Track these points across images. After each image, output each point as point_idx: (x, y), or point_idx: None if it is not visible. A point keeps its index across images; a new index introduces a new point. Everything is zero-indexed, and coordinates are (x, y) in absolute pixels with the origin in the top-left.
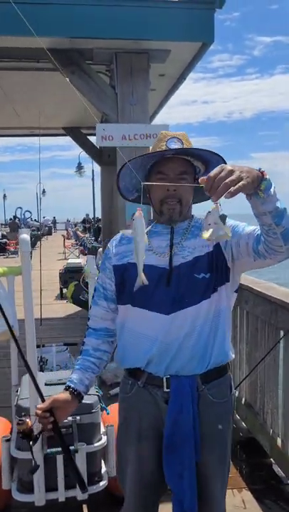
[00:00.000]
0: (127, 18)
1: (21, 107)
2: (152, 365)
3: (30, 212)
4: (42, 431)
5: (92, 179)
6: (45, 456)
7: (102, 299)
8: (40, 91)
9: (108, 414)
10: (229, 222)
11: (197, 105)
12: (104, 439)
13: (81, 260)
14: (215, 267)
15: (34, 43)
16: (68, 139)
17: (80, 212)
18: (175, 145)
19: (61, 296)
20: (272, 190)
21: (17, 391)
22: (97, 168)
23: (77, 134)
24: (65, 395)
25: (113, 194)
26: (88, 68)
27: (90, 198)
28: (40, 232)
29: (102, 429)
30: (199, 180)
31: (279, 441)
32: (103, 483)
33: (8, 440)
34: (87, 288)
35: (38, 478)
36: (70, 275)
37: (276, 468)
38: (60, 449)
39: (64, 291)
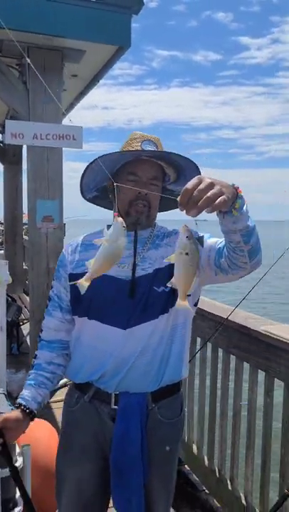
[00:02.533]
0: (40, 12)
1: None
2: (103, 380)
3: None
4: None
5: None
6: None
7: (57, 310)
8: None
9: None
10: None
11: (97, 110)
12: (20, 460)
13: None
14: None
15: None
16: None
17: None
18: (150, 148)
19: None
20: (244, 208)
21: None
22: None
23: None
24: (16, 414)
25: (17, 194)
26: None
27: None
28: None
29: (17, 450)
30: (178, 200)
31: (194, 448)
32: (19, 509)
33: None
34: None
35: None
36: None
37: (191, 476)
38: None
39: None
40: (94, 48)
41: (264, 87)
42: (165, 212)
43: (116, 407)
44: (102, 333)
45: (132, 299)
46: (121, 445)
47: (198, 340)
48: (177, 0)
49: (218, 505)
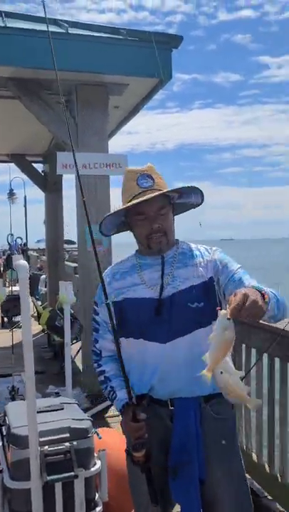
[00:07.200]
0: (88, 53)
1: None
2: (155, 391)
3: (22, 239)
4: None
5: (25, 205)
6: (45, 484)
7: (107, 333)
8: None
9: (100, 438)
10: (230, 264)
11: (122, 135)
12: (98, 463)
13: None
14: (210, 297)
15: None
16: None
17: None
18: (147, 183)
19: (2, 325)
20: (269, 307)
21: (3, 421)
22: (35, 194)
23: (22, 161)
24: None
25: (58, 221)
26: (48, 98)
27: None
28: None
29: (95, 454)
30: (229, 310)
31: (254, 456)
32: (99, 509)
33: (1, 471)
34: (63, 314)
35: (37, 508)
36: (15, 303)
37: (251, 482)
38: (60, 476)
39: (5, 320)
40: (136, 82)
41: (287, 104)
42: (186, 232)
43: (172, 408)
44: (147, 349)
45: (159, 316)
46: (180, 442)
47: (253, 351)
48: (195, 25)
49: (282, 509)
